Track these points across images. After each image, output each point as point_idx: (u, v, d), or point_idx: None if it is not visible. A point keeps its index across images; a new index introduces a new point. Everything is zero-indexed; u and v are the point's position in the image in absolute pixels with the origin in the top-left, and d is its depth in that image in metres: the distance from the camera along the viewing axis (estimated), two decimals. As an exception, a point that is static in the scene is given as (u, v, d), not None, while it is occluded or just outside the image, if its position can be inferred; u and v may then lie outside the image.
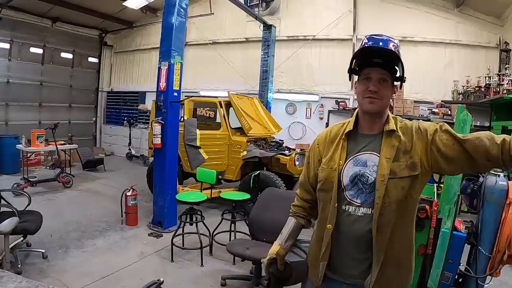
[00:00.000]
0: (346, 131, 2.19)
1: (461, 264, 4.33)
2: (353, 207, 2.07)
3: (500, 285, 5.26)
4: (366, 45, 2.06)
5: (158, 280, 4.54)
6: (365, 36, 2.13)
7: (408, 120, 2.18)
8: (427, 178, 2.10)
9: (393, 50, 2.03)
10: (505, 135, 1.82)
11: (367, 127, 2.16)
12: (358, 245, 2.07)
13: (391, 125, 2.08)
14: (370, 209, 2.02)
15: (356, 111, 2.25)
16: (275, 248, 2.36)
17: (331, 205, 2.11)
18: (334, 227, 2.10)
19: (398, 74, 2.09)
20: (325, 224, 2.13)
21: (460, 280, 4.49)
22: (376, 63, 2.04)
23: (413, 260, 2.19)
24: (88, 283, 4.69)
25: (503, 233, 4.10)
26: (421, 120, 2.17)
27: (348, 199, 2.09)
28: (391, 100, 2.16)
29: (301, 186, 2.51)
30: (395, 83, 2.13)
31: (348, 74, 2.25)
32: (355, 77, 2.19)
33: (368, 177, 2.04)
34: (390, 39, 2.06)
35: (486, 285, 4.45)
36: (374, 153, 2.08)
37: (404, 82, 2.11)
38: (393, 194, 1.97)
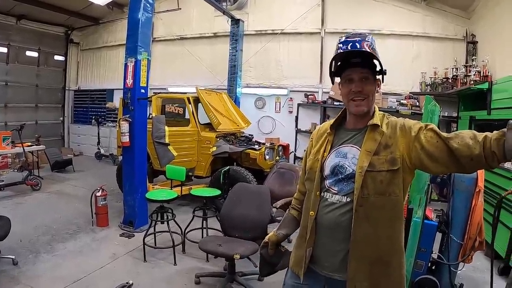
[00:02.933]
0: (334, 126, 2.31)
1: (434, 252, 4.40)
2: (330, 194, 2.16)
3: (473, 270, 5.40)
4: (341, 50, 2.10)
5: (127, 283, 4.52)
6: (339, 39, 2.16)
7: (395, 117, 2.22)
8: (411, 176, 2.12)
9: (368, 49, 2.05)
10: (488, 132, 1.83)
11: (353, 124, 2.24)
12: (332, 234, 2.12)
13: (375, 120, 2.13)
14: (345, 197, 2.08)
15: (344, 109, 2.32)
16: (270, 234, 2.53)
17: (313, 193, 2.22)
18: (316, 214, 2.18)
19: (378, 68, 2.15)
20: (308, 212, 2.23)
21: (433, 267, 4.57)
22: (355, 63, 2.09)
23: (403, 267, 2.20)
24: (60, 288, 4.62)
25: (473, 221, 4.19)
26: (407, 118, 2.20)
27: (327, 187, 2.17)
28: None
29: (300, 179, 2.62)
30: (378, 77, 2.18)
31: (332, 75, 2.31)
32: (326, 72, 2.23)
33: (347, 168, 2.12)
34: (363, 38, 2.09)
35: (458, 271, 4.54)
36: (355, 146, 2.15)
37: (385, 74, 2.17)
38: (371, 187, 2.02)
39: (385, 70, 2.16)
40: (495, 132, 1.79)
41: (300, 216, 2.45)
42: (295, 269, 2.32)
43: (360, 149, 2.10)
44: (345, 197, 2.08)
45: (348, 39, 2.10)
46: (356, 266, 2.04)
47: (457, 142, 1.86)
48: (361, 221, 2.01)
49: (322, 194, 2.19)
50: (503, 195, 3.39)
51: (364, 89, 2.10)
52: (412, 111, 9.70)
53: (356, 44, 2.05)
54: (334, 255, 2.13)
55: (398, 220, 2.12)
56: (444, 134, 1.95)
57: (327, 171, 2.19)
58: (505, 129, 1.73)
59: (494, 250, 5.62)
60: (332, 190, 2.14)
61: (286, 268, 2.49)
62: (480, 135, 1.82)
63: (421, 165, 2.01)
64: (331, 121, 2.35)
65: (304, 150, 8.26)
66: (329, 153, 2.23)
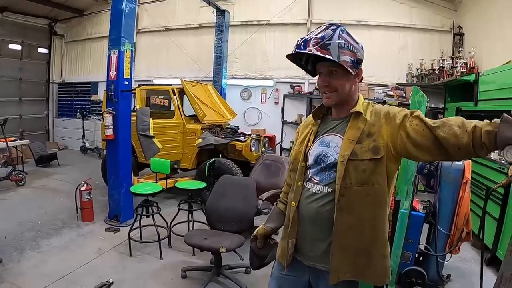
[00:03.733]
0: (318, 116, 2.29)
1: (421, 243, 4.41)
2: (312, 184, 2.14)
3: (460, 261, 5.42)
4: (286, 55, 2.12)
5: (107, 281, 4.46)
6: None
7: (381, 105, 2.18)
8: (396, 165, 2.08)
9: (315, 50, 1.95)
10: (476, 120, 1.78)
11: (336, 113, 2.21)
12: (314, 225, 2.11)
13: (358, 108, 2.09)
14: (327, 187, 2.06)
15: None
16: (259, 227, 2.54)
17: (295, 183, 2.22)
18: (298, 205, 2.17)
19: (347, 59, 1.99)
20: (291, 202, 2.23)
21: (421, 258, 4.59)
22: (322, 57, 2.00)
23: (387, 254, 2.16)
24: (46, 285, 4.53)
25: (460, 211, 4.21)
26: (392, 106, 2.17)
27: (310, 177, 2.16)
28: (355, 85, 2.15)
29: (287, 172, 2.56)
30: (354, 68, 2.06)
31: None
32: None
33: (329, 157, 2.09)
34: (314, 37, 2.00)
35: (446, 262, 4.56)
36: (338, 134, 2.12)
37: (361, 63, 2.07)
38: (353, 175, 1.99)
39: (360, 59, 2.06)
40: (485, 121, 1.74)
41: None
42: (281, 260, 2.32)
43: (343, 137, 2.07)
44: (326, 187, 2.07)
45: (300, 39, 2.03)
46: (339, 257, 2.03)
47: (444, 130, 1.81)
48: (343, 212, 1.99)
49: (304, 183, 2.17)
50: (493, 187, 3.36)
51: (331, 83, 2.05)
52: (399, 101, 9.73)
53: (301, 46, 1.99)
54: (317, 246, 2.12)
55: (382, 210, 2.08)
56: (431, 122, 1.89)
57: (310, 161, 2.17)
58: (497, 120, 1.69)
59: (481, 240, 5.68)
60: (314, 180, 2.13)
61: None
62: (469, 124, 1.77)
63: (406, 153, 1.97)
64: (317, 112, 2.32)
65: (291, 142, 8.30)
66: (313, 143, 2.21)
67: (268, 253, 2.53)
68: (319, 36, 1.98)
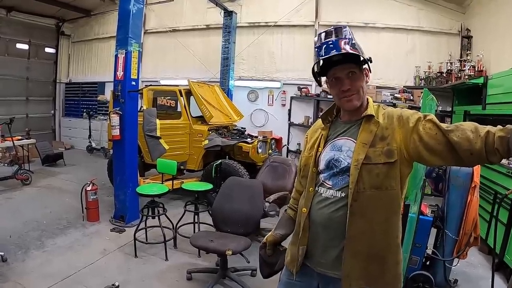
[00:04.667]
0: (327, 120, 2.26)
1: (428, 248, 4.38)
2: (324, 188, 2.11)
3: (467, 266, 5.37)
4: (321, 58, 2.02)
5: (113, 285, 4.45)
6: (315, 42, 2.08)
7: (393, 108, 2.15)
8: (409, 169, 2.04)
9: (349, 49, 1.95)
10: (490, 126, 1.75)
11: (347, 116, 2.18)
12: (326, 230, 2.07)
13: (370, 111, 2.07)
14: (340, 192, 2.02)
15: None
16: (268, 234, 2.55)
17: (307, 189, 2.19)
18: (309, 211, 2.14)
19: (361, 58, 2.03)
20: (302, 209, 2.19)
21: (428, 263, 4.55)
22: (337, 61, 2.00)
23: (400, 264, 2.13)
24: (50, 285, 4.52)
25: (469, 216, 4.18)
26: (405, 109, 2.13)
27: (322, 181, 2.13)
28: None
29: (297, 178, 2.55)
30: (364, 66, 2.10)
31: (316, 76, 2.22)
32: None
33: (342, 161, 2.06)
34: (340, 37, 1.98)
35: (453, 267, 4.53)
36: (350, 138, 2.09)
37: (371, 62, 2.07)
38: (367, 180, 1.95)
39: (370, 57, 2.07)
40: (498, 127, 1.71)
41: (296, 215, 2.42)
42: (290, 267, 2.28)
43: (355, 141, 2.04)
44: (340, 192, 2.03)
45: (324, 42, 2.00)
46: (351, 263, 1.99)
47: (457, 135, 1.78)
48: (356, 217, 1.95)
49: (316, 188, 2.13)
50: (506, 193, 3.34)
51: (353, 85, 2.03)
52: (408, 104, 9.65)
53: (333, 47, 1.95)
54: (328, 252, 2.08)
55: (395, 214, 2.06)
56: (444, 126, 1.87)
57: (322, 166, 2.13)
58: (510, 126, 1.65)
59: (488, 245, 5.65)
60: (327, 185, 2.09)
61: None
62: (482, 129, 1.74)
63: (419, 157, 1.94)
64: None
65: (298, 144, 8.25)
66: (324, 147, 2.17)
67: (278, 260, 2.51)
68: (345, 36, 1.98)
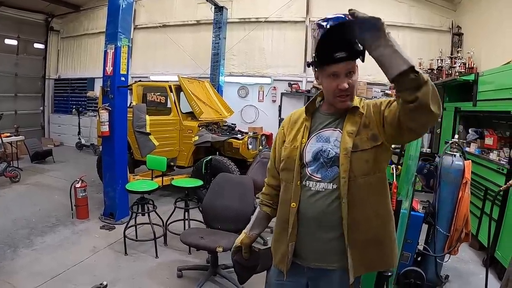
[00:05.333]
0: (310, 111, 2.22)
1: (420, 244, 4.39)
2: (313, 182, 2.07)
3: (458, 261, 5.40)
4: (328, 26, 1.85)
5: (101, 284, 4.41)
6: (316, 22, 1.92)
7: (370, 100, 2.17)
8: (388, 153, 2.09)
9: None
10: None
11: (333, 109, 2.14)
12: (319, 224, 2.04)
13: (355, 103, 2.07)
14: (332, 184, 2.01)
15: (319, 94, 2.25)
16: (241, 236, 2.45)
17: (294, 183, 2.11)
18: (298, 206, 2.08)
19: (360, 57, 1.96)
20: (289, 204, 2.11)
21: (419, 259, 4.56)
22: (340, 58, 1.91)
23: (394, 238, 2.18)
24: (39, 284, 4.47)
25: (460, 212, 4.20)
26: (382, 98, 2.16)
27: (309, 174, 2.08)
28: None
29: (269, 172, 2.50)
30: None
31: (309, 65, 2.09)
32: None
33: (329, 151, 2.04)
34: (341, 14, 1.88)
35: (444, 263, 4.55)
36: (337, 129, 2.08)
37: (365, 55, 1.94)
38: (358, 168, 1.97)
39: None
40: None
41: (273, 212, 2.40)
42: (280, 266, 2.23)
43: (342, 131, 2.04)
44: (331, 183, 2.01)
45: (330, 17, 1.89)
46: (352, 252, 1.99)
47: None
48: (351, 206, 1.96)
49: (304, 183, 2.09)
50: (500, 188, 3.34)
51: (351, 85, 1.98)
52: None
53: (340, 16, 1.84)
54: (322, 245, 2.06)
55: (385, 197, 2.11)
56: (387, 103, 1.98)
57: (308, 158, 2.10)
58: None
59: (479, 241, 5.69)
60: (315, 178, 2.06)
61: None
62: None
63: (388, 136, 1.96)
64: (302, 108, 2.28)
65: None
66: (308, 139, 2.14)
67: (257, 262, 2.42)
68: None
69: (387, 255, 2.13)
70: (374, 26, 1.66)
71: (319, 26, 1.88)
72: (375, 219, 2.04)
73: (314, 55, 1.97)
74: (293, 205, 2.09)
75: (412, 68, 1.62)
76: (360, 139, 1.99)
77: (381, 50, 1.67)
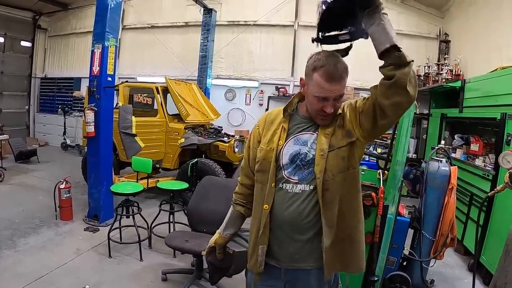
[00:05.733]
0: (288, 112, 2.22)
1: (405, 249, 4.42)
2: (290, 185, 2.07)
3: (443, 266, 5.46)
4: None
5: None
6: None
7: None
8: (363, 147, 2.13)
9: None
10: None
11: (307, 111, 2.17)
12: (297, 225, 2.04)
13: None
14: (309, 185, 2.02)
15: (297, 95, 2.27)
16: (214, 236, 2.42)
17: (268, 185, 2.10)
18: (271, 208, 2.06)
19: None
20: (262, 205, 2.09)
21: (405, 263, 4.59)
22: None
23: (363, 243, 2.21)
24: (22, 286, 4.41)
25: (445, 217, 4.25)
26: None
27: (286, 177, 2.08)
28: None
29: (242, 171, 2.47)
30: None
31: (314, 41, 2.20)
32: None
33: (307, 154, 2.06)
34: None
35: (430, 268, 4.58)
36: (315, 132, 2.10)
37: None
38: (334, 166, 2.01)
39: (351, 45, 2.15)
40: None
41: (248, 211, 2.39)
42: (253, 269, 2.21)
43: (318, 133, 2.08)
44: (308, 185, 2.03)
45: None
46: (329, 251, 2.01)
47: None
48: (328, 206, 2.00)
49: (280, 185, 2.08)
50: (488, 194, 3.36)
51: (335, 108, 2.03)
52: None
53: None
54: (299, 246, 2.07)
55: (358, 192, 2.15)
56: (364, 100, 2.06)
57: (285, 160, 2.09)
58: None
59: (464, 246, 5.74)
60: (292, 180, 2.06)
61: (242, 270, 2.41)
62: None
63: (363, 130, 2.04)
64: (280, 108, 2.27)
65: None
66: (285, 141, 2.13)
67: (231, 263, 2.38)
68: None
69: (359, 256, 2.16)
70: (372, 3, 1.85)
71: (324, 2, 1.93)
72: (349, 216, 2.08)
73: (318, 31, 2.11)
74: (266, 207, 2.08)
75: (395, 46, 1.83)
76: (335, 138, 2.04)
77: (374, 27, 1.86)
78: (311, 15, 11.07)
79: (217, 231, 2.43)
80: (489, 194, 3.35)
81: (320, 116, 2.05)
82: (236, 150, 7.87)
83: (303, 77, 2.11)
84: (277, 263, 2.13)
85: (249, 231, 2.31)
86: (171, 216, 6.00)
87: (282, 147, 2.11)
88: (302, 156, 2.05)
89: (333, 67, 1.95)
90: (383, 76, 1.89)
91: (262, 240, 2.10)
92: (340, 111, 2.08)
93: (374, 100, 1.92)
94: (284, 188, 2.07)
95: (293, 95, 8.35)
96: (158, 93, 8.35)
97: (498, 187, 2.92)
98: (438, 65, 9.16)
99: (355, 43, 2.13)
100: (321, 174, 1.97)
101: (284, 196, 2.06)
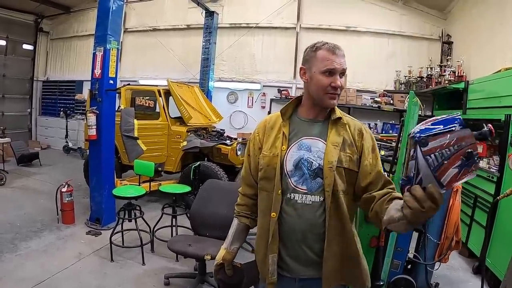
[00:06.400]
0: (287, 116, 2.18)
1: (410, 252, 4.39)
2: (299, 195, 2.02)
3: (448, 269, 5.44)
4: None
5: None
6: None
7: (352, 119, 2.18)
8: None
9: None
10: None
11: (313, 114, 2.13)
12: (308, 235, 2.01)
13: (338, 114, 2.08)
14: (319, 197, 1.98)
15: (296, 97, 2.23)
16: (221, 253, 2.31)
17: (275, 192, 2.04)
18: (279, 217, 2.02)
19: None
20: (269, 214, 2.04)
21: (409, 267, 4.56)
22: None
23: (365, 259, 2.19)
24: (24, 290, 4.41)
25: (450, 220, 4.21)
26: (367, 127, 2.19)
27: (293, 186, 2.03)
28: None
29: (243, 181, 2.40)
30: None
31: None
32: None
33: (312, 162, 2.01)
34: None
35: (434, 271, 4.55)
36: (319, 139, 2.05)
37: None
38: (340, 182, 1.98)
39: None
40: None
41: (253, 222, 2.34)
42: (266, 279, 2.12)
43: (325, 142, 2.03)
44: (318, 196, 1.99)
45: None
46: (331, 264, 1.99)
47: (376, 202, 1.90)
48: (333, 219, 1.98)
49: (288, 195, 2.03)
50: (498, 198, 3.33)
51: (343, 84, 2.01)
52: (394, 107, 9.87)
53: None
54: (311, 256, 2.03)
55: (354, 214, 2.17)
56: (378, 169, 2.05)
57: (289, 166, 2.05)
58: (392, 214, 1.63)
59: (468, 249, 5.70)
60: (301, 190, 2.02)
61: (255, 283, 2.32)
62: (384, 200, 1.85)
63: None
64: (278, 113, 2.22)
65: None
66: (288, 147, 2.08)
67: (242, 277, 2.28)
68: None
69: (361, 271, 2.13)
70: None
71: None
72: (349, 233, 2.04)
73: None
74: (273, 215, 2.03)
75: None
76: (344, 155, 2.01)
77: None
78: (313, 17, 11.14)
79: (222, 247, 2.33)
80: (498, 198, 3.31)
81: (328, 95, 2.01)
82: (239, 153, 7.83)
83: (303, 66, 2.11)
84: (289, 274, 2.08)
85: (256, 242, 2.25)
86: (174, 219, 5.94)
87: (286, 153, 2.07)
88: (307, 163, 2.01)
89: (334, 45, 2.01)
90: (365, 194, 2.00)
91: (271, 249, 2.05)
92: (343, 119, 2.09)
93: (358, 192, 2.04)
94: (293, 198, 2.02)
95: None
96: (160, 96, 8.35)
97: (507, 191, 2.88)
98: (440, 66, 9.12)
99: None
100: (330, 188, 1.94)
101: (294, 207, 2.02)
